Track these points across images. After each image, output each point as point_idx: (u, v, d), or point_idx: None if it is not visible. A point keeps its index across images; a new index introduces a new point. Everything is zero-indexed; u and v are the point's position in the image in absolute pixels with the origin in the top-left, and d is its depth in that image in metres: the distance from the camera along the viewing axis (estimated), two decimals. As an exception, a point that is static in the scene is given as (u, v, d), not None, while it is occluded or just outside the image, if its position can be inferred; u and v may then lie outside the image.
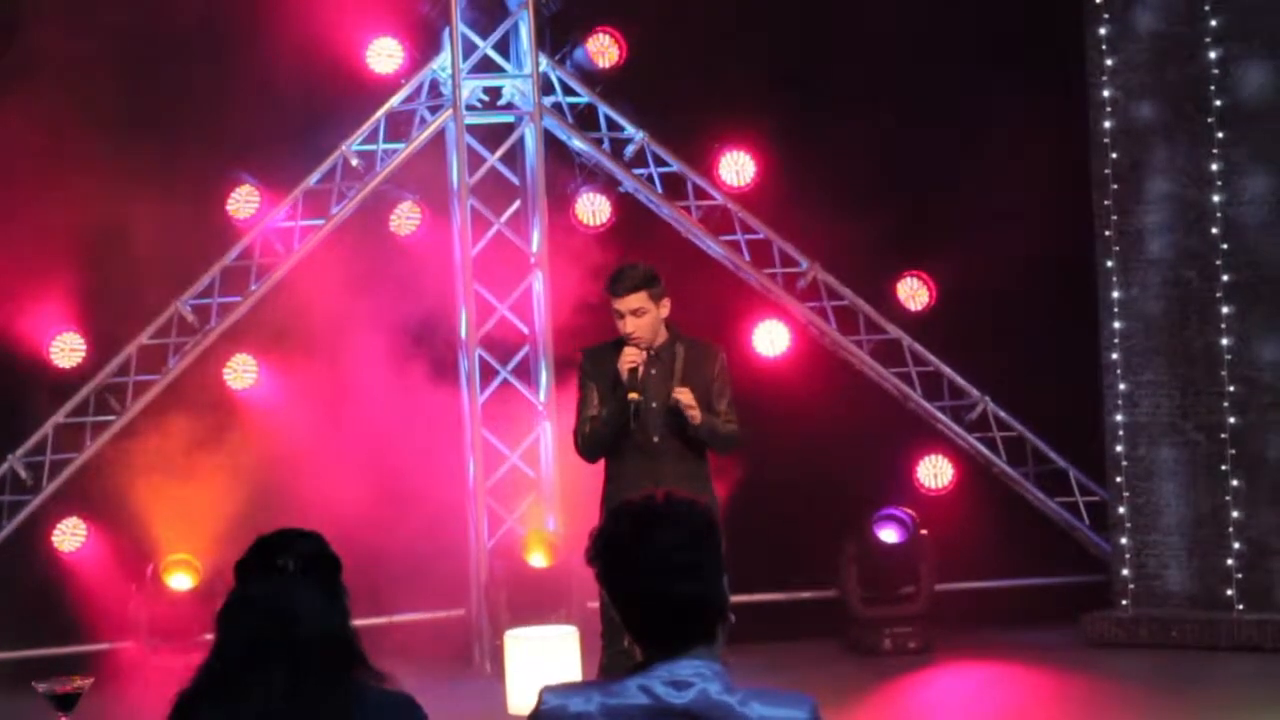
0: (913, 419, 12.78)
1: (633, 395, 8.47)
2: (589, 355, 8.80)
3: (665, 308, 8.64)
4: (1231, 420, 11.74)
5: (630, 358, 8.51)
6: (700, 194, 12.65)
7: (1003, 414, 12.81)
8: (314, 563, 4.18)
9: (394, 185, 12.48)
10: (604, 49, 12.56)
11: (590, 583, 4.04)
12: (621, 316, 8.56)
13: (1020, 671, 11.48)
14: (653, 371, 8.63)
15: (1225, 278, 11.75)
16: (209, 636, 4.17)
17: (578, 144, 12.54)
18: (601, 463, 8.80)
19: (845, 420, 12.36)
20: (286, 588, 4.10)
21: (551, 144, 12.46)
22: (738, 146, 12.75)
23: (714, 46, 12.47)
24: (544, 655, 9.56)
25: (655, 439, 8.60)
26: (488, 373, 12.32)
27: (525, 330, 12.38)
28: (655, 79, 12.54)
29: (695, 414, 8.48)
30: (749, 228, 12.66)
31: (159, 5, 11.87)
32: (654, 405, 8.59)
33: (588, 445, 8.67)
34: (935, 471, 12.92)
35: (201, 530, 11.54)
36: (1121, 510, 12.10)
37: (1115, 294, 12.05)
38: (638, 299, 8.55)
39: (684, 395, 8.50)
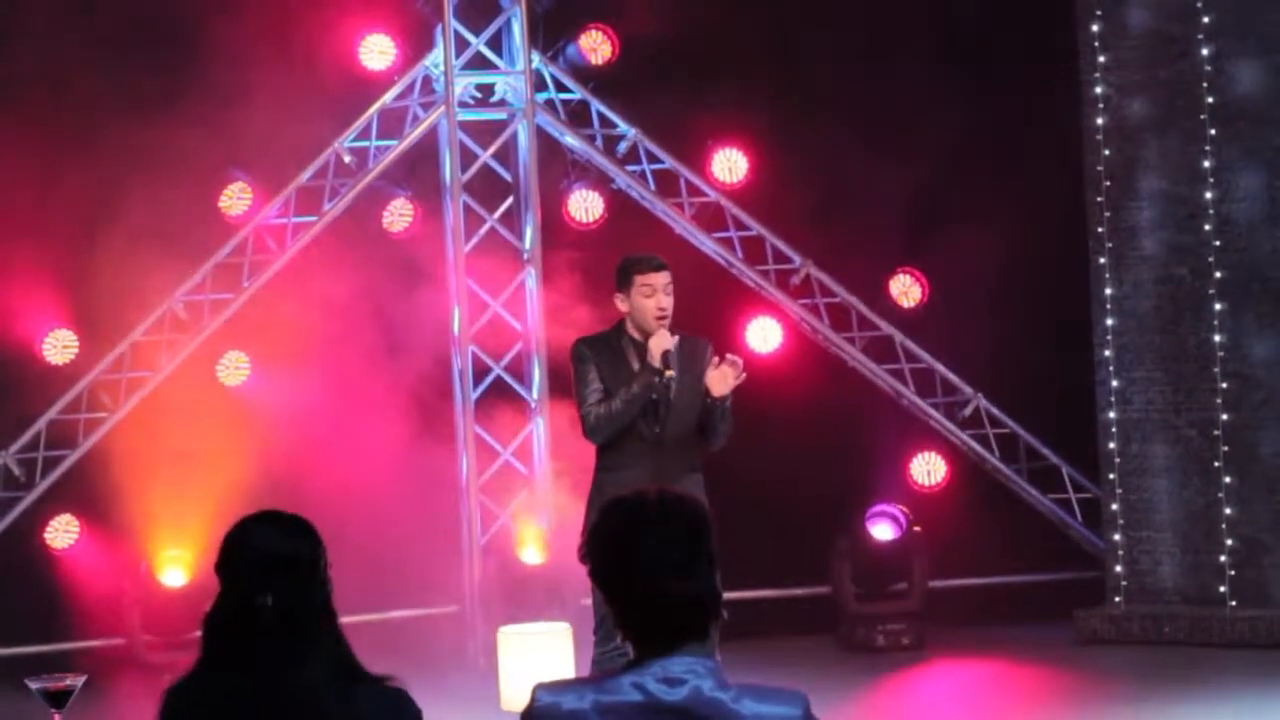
0: (906, 416, 12.79)
1: (670, 372, 8.41)
2: (586, 342, 8.74)
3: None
4: (1224, 417, 11.75)
5: (665, 340, 8.45)
6: (693, 191, 12.65)
7: (995, 411, 12.82)
8: (293, 592, 4.16)
9: (387, 182, 12.48)
10: (597, 45, 12.56)
11: (583, 579, 4.04)
12: (653, 293, 8.47)
13: (1013, 668, 11.49)
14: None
15: (1218, 274, 11.75)
16: (199, 634, 4.19)
17: (570, 141, 12.54)
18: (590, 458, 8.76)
19: (838, 417, 12.36)
20: (278, 666, 4.10)
21: (544, 141, 12.46)
22: (730, 143, 12.76)
23: (707, 43, 12.47)
24: (537, 652, 9.57)
25: (658, 430, 8.56)
26: (480, 369, 12.32)
27: (518, 327, 12.38)
28: (648, 76, 12.54)
29: (732, 382, 8.37)
30: (742, 224, 12.66)
31: (150, 3, 11.86)
32: (654, 398, 8.55)
33: (602, 424, 8.50)
34: (928, 468, 12.93)
35: (194, 527, 11.53)
36: (1114, 507, 12.11)
37: (1108, 290, 12.06)
38: (668, 276, 8.53)
39: (737, 363, 8.41)
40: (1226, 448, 11.74)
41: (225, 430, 11.80)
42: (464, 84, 12.37)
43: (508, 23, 12.41)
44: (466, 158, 12.33)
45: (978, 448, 12.80)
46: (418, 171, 12.57)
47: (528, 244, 12.33)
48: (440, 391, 12.27)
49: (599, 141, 12.57)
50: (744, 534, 10.46)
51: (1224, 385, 11.75)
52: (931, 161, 12.37)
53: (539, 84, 12.46)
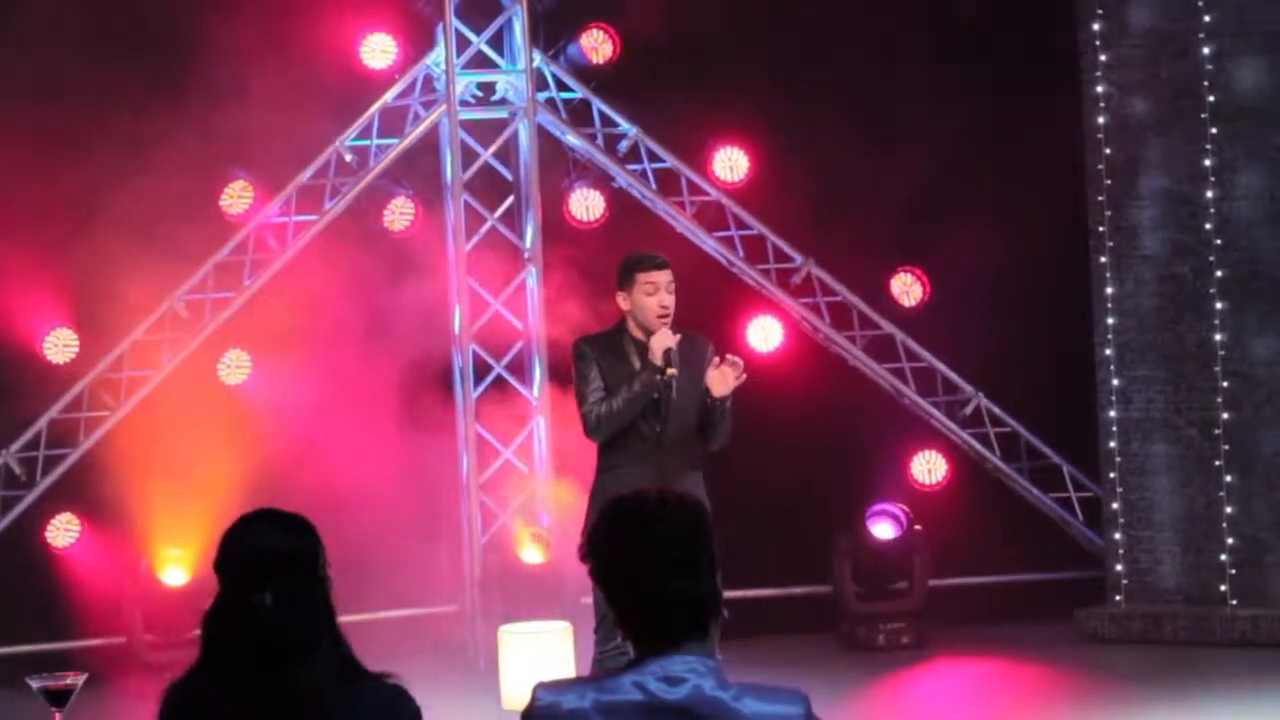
0: (907, 415, 12.78)
1: (671, 370, 8.40)
2: (587, 340, 8.74)
3: None
4: (1225, 416, 11.75)
5: (666, 339, 8.45)
6: (694, 189, 12.65)
7: (996, 410, 12.81)
8: (292, 591, 4.16)
9: (388, 181, 12.48)
10: (598, 44, 12.56)
11: (584, 578, 4.04)
12: (655, 291, 8.46)
13: (1014, 667, 11.48)
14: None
15: (1219, 273, 11.75)
16: (199, 632, 4.19)
17: (571, 139, 12.54)
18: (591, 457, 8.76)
19: (839, 416, 12.36)
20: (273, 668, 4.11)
21: (545, 139, 12.46)
22: (732, 142, 12.75)
23: (708, 42, 12.46)
24: (538, 651, 9.56)
25: (659, 429, 8.56)
26: (481, 368, 12.32)
27: (519, 326, 12.38)
28: (649, 74, 12.54)
29: (732, 383, 8.36)
30: (743, 223, 12.66)
31: (151, 1, 11.86)
32: (655, 397, 8.55)
33: (603, 423, 8.48)
34: (929, 467, 12.92)
35: (195, 525, 11.53)
36: (1115, 506, 12.11)
37: (1109, 289, 12.06)
38: (670, 274, 8.52)
39: (738, 364, 8.40)
40: (1227, 447, 11.74)
41: (226, 429, 11.80)
42: (465, 83, 12.37)
43: (509, 22, 12.41)
44: (467, 156, 12.32)
45: (978, 446, 12.79)
46: (418, 170, 12.57)
47: (528, 243, 12.33)
48: (440, 390, 12.26)
49: (600, 140, 12.57)
50: (744, 533, 10.45)
51: (1225, 384, 11.75)
52: (932, 160, 12.35)
53: (540, 83, 12.45)
